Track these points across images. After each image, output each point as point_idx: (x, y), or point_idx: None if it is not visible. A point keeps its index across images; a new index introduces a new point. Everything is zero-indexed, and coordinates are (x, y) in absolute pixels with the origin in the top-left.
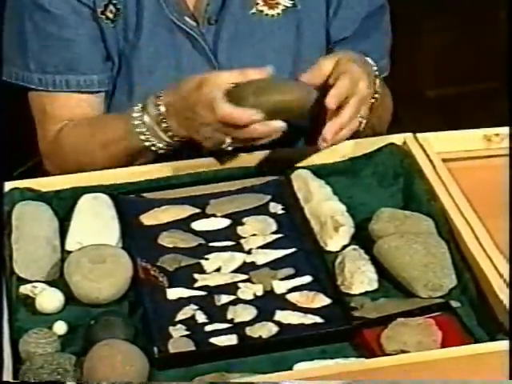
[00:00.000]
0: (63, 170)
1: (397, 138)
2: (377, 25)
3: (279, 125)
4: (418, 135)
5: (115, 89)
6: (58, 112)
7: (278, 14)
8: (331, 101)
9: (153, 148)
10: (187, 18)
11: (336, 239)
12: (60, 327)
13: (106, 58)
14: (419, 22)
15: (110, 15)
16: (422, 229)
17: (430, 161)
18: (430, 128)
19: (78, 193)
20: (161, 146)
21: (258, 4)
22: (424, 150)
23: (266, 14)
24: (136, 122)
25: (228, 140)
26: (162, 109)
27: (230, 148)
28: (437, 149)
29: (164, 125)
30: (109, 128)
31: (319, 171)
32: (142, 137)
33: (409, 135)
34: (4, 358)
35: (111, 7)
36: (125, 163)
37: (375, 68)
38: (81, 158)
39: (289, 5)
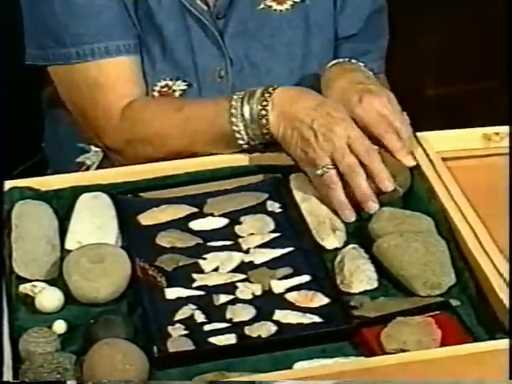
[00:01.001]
0: (133, 148)
1: None
2: (379, 25)
3: (375, 206)
4: (418, 134)
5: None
6: (109, 80)
7: (287, 9)
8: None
9: (236, 135)
10: (198, 2)
11: (332, 238)
12: (60, 326)
13: (133, 24)
14: (419, 21)
15: None
16: (421, 228)
17: (430, 160)
18: (430, 127)
19: (77, 192)
20: (244, 136)
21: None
22: (424, 149)
23: (275, 10)
24: (232, 111)
25: (328, 166)
26: (268, 106)
27: (319, 172)
28: (436, 148)
29: (263, 121)
30: (198, 106)
31: None
32: (233, 127)
33: None
34: (4, 357)
35: None
36: (199, 148)
37: (362, 65)
38: (158, 132)
39: (297, 0)
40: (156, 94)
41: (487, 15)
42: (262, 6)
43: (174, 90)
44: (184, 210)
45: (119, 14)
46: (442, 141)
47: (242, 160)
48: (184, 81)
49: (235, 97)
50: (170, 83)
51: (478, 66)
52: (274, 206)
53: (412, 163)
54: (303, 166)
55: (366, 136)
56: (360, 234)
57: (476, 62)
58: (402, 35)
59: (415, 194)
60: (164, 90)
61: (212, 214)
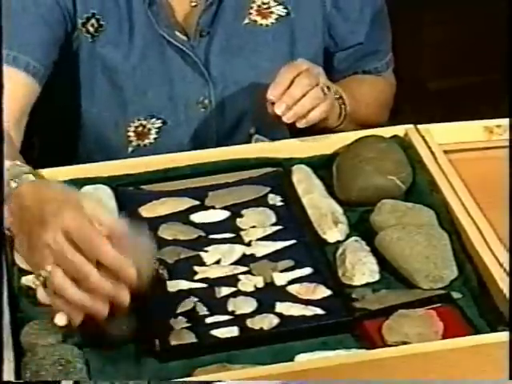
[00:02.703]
0: None
1: (398, 130)
2: (382, 24)
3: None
4: (420, 127)
5: (106, 106)
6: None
7: (272, 23)
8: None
9: None
10: (177, 33)
11: (334, 231)
12: (61, 318)
13: (55, 62)
14: (420, 14)
15: (91, 29)
16: (423, 220)
17: (432, 152)
18: (432, 119)
19: (78, 184)
20: None
21: (250, 14)
22: (425, 142)
23: (260, 24)
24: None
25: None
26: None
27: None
28: (438, 140)
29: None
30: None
31: (319, 162)
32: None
33: (410, 127)
34: (4, 352)
35: (93, 21)
36: None
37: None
38: None
39: (282, 13)
40: (132, 133)
41: (489, 8)
42: (246, 20)
43: (150, 129)
44: (185, 203)
45: (46, 40)
46: (443, 133)
47: (243, 153)
48: (158, 118)
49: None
50: (145, 122)
51: (479, 59)
52: (275, 200)
53: (272, 99)
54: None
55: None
56: (362, 226)
57: (478, 54)
58: (404, 28)
59: (417, 187)
60: (139, 129)
61: (213, 207)
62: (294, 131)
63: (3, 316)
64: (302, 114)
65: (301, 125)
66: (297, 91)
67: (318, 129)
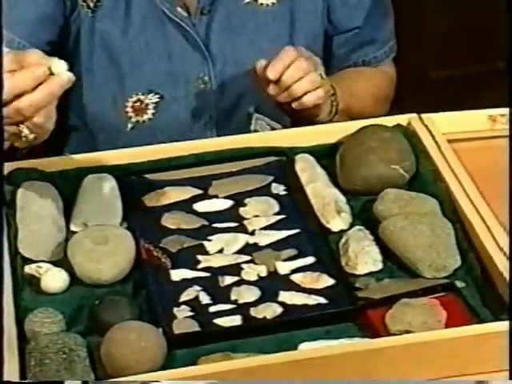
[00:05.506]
0: None
1: (402, 119)
2: (383, 10)
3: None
4: (423, 116)
5: (104, 81)
6: None
7: (273, 3)
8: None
9: None
10: (179, 9)
11: (338, 220)
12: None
13: (50, 41)
14: (423, 3)
15: (91, 4)
16: (426, 209)
17: (435, 141)
18: (435, 109)
19: (82, 173)
20: None
21: None
22: (429, 131)
23: (261, 4)
24: None
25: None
26: None
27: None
28: (442, 129)
29: None
30: None
31: (322, 151)
32: None
33: (413, 116)
34: (5, 353)
35: None
36: None
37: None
38: None
39: None
40: (129, 109)
41: None
42: (248, 0)
43: (147, 104)
44: (189, 192)
45: (35, 18)
46: (447, 123)
47: (247, 142)
48: (156, 93)
49: None
50: (142, 97)
51: (482, 48)
52: (278, 189)
53: (271, 77)
54: None
55: None
56: (365, 215)
57: (481, 43)
58: (407, 18)
59: (421, 176)
60: (137, 104)
61: (217, 196)
62: (289, 114)
63: (3, 316)
64: (297, 95)
65: (296, 106)
66: (295, 72)
67: (307, 122)
